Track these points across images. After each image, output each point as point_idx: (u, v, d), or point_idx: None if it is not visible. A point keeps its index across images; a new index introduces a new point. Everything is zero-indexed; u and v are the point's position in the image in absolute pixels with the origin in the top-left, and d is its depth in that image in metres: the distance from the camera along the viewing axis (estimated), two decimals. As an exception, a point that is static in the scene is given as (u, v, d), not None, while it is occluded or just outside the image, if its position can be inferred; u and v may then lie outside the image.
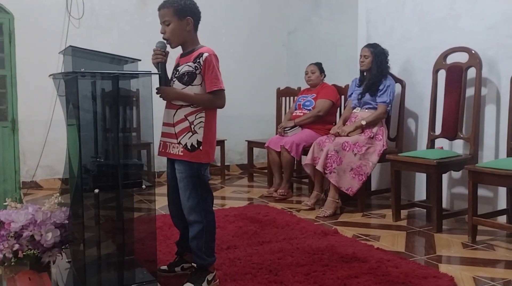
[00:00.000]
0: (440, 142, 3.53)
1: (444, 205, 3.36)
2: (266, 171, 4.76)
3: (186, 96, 2.15)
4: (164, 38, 2.18)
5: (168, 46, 2.20)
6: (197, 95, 2.14)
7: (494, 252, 2.73)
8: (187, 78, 2.15)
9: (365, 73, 3.83)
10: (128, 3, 4.94)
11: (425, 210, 3.52)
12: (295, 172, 4.66)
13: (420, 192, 3.79)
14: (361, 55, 3.79)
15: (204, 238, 2.18)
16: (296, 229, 3.08)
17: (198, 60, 2.14)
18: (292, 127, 4.21)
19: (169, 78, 2.26)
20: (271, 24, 5.64)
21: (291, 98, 4.85)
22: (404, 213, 3.52)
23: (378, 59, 3.70)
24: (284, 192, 4.10)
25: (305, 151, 4.00)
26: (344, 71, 4.57)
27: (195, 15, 2.19)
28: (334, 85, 4.31)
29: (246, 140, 5.06)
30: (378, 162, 3.68)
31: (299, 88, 4.73)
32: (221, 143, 4.94)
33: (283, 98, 4.96)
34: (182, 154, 2.15)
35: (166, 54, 2.18)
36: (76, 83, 2.10)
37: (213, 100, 2.15)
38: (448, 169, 3.24)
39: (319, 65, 4.34)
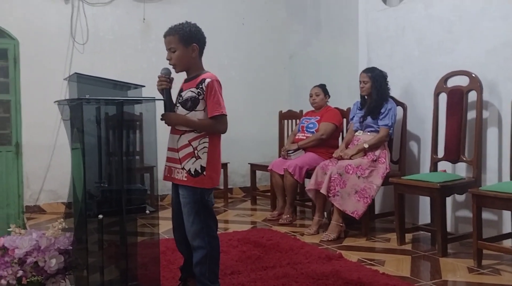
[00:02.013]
0: (443, 165, 3.53)
1: (448, 229, 3.34)
2: (269, 194, 4.74)
3: (189, 121, 2.17)
4: (170, 64, 2.21)
5: (172, 71, 2.23)
6: (199, 120, 2.17)
7: (500, 276, 2.71)
8: (190, 104, 2.18)
9: (366, 97, 3.86)
10: (132, 29, 5.01)
11: (429, 233, 3.50)
12: (299, 195, 4.65)
13: (424, 216, 3.78)
14: (360, 81, 3.82)
15: (208, 264, 2.17)
16: (300, 254, 3.07)
17: (200, 86, 2.17)
18: (295, 150, 4.21)
19: (174, 103, 2.29)
20: (272, 47, 5.71)
21: (294, 121, 4.88)
22: (408, 236, 3.50)
23: (377, 83, 3.73)
24: (289, 217, 4.09)
25: (308, 174, 4.00)
26: (346, 94, 4.61)
27: (200, 42, 2.23)
28: (336, 108, 4.34)
29: (249, 163, 5.07)
30: (381, 185, 3.67)
31: (301, 111, 4.76)
32: (224, 166, 4.94)
33: (286, 121, 4.99)
34: (185, 179, 2.16)
35: (171, 80, 2.21)
36: (81, 109, 2.13)
37: (215, 125, 2.18)
38: (452, 193, 3.24)
39: (323, 87, 4.38)
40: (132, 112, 2.60)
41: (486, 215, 3.18)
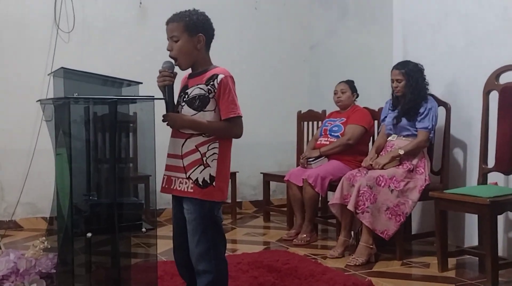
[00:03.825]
0: (494, 177, 3.51)
1: (500, 253, 3.31)
2: (285, 209, 4.75)
3: (197, 123, 2.19)
4: (170, 56, 2.24)
5: (176, 67, 2.25)
6: (210, 123, 2.19)
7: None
8: (199, 103, 2.20)
9: (399, 97, 3.86)
10: (126, 15, 5.05)
11: (477, 258, 3.47)
12: (320, 211, 4.64)
13: (471, 237, 3.76)
14: (392, 79, 3.82)
15: (214, 291, 2.19)
16: (322, 281, 3.07)
17: (211, 82, 2.19)
18: (316, 158, 4.22)
19: (176, 102, 2.31)
20: (290, 36, 5.73)
21: (315, 123, 4.89)
22: (452, 261, 3.48)
23: (412, 80, 3.73)
24: (307, 237, 4.09)
25: (332, 186, 4.00)
26: (377, 92, 4.61)
27: (208, 32, 2.26)
28: (366, 107, 4.35)
29: (261, 172, 5.08)
30: (420, 200, 3.66)
31: (324, 111, 4.77)
32: (232, 175, 4.96)
33: (305, 123, 5.00)
34: (192, 191, 2.18)
35: (174, 75, 2.24)
36: (68, 109, 2.17)
37: (229, 129, 2.20)
38: (504, 210, 3.21)
39: (350, 84, 4.39)
40: (126, 113, 2.63)
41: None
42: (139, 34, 5.07)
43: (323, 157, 4.23)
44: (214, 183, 2.18)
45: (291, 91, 5.72)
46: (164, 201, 4.78)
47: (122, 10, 5.04)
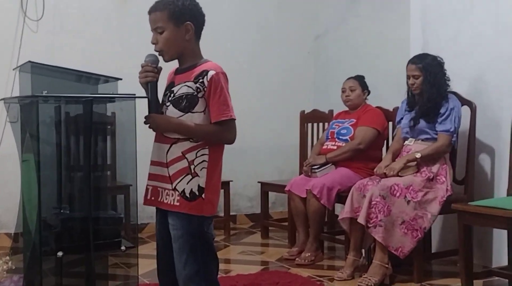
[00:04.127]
0: (526, 187, 3.52)
1: (533, 274, 3.32)
2: (286, 224, 4.74)
3: (184, 127, 2.19)
4: (156, 50, 2.24)
5: (160, 58, 2.25)
6: (199, 126, 2.19)
7: None
8: (186, 103, 2.20)
9: (416, 96, 3.87)
10: (104, 0, 5.05)
11: (506, 280, 3.48)
12: (326, 226, 4.63)
13: (500, 256, 3.76)
14: (408, 75, 3.82)
15: (205, 319, 2.19)
16: (329, 306, 3.06)
17: (201, 80, 2.19)
18: (322, 165, 4.22)
19: (160, 101, 2.31)
20: (292, 25, 5.73)
21: (320, 124, 4.89)
22: (478, 283, 3.48)
23: (430, 75, 3.73)
24: (312, 256, 4.09)
25: (340, 198, 4.00)
26: (392, 89, 4.61)
27: (197, 20, 2.25)
28: (379, 107, 4.36)
29: (258, 182, 5.08)
30: (440, 213, 3.66)
31: (331, 111, 4.77)
32: (225, 185, 4.97)
33: (309, 125, 5.00)
34: (178, 204, 2.18)
35: (158, 71, 2.23)
36: (36, 108, 2.17)
37: (221, 133, 2.20)
38: (538, 224, 3.22)
39: (360, 80, 4.39)
40: (103, 113, 2.64)
41: None
42: (119, 22, 5.06)
43: (329, 164, 4.23)
44: (203, 195, 2.18)
45: (293, 88, 5.72)
46: (147, 214, 4.77)
47: (100, -5, 5.04)
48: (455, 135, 3.73)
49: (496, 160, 3.88)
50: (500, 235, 3.75)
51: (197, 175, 2.18)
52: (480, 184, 3.90)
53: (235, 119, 2.21)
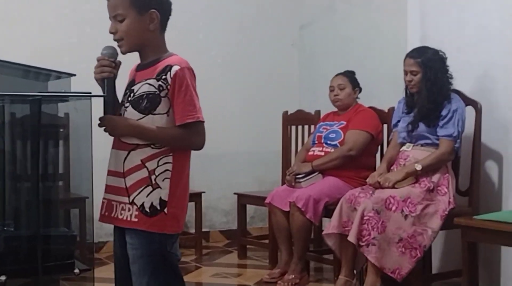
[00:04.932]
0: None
1: (546, 297, 3.37)
2: (267, 241, 4.75)
3: (144, 130, 2.19)
4: (114, 40, 2.24)
5: (118, 50, 2.25)
6: (161, 129, 2.19)
7: None
8: (147, 103, 2.20)
9: (415, 95, 3.90)
10: (55, -17, 5.03)
11: (516, 304, 3.52)
12: (313, 244, 4.65)
13: (508, 277, 3.79)
14: (406, 71, 3.85)
15: None
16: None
17: (164, 76, 2.19)
18: (308, 174, 4.23)
19: (120, 101, 2.31)
20: (273, 13, 5.75)
21: (305, 127, 4.91)
22: (484, 309, 3.53)
23: (431, 71, 3.76)
24: (296, 278, 4.10)
25: (327, 211, 4.02)
26: (387, 87, 4.65)
27: (163, 8, 2.25)
28: (372, 107, 4.39)
29: (235, 193, 5.08)
30: (442, 229, 3.69)
31: (318, 112, 4.80)
32: (196, 197, 4.96)
33: (293, 128, 5.02)
34: (136, 220, 2.18)
35: (117, 65, 2.24)
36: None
37: (186, 138, 2.20)
38: (551, 241, 3.26)
39: (350, 76, 4.42)
40: (54, 114, 2.63)
41: None
42: (73, 8, 5.03)
43: (316, 173, 4.24)
44: (165, 210, 2.17)
45: (275, 86, 5.74)
46: (105, 231, 4.75)
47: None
48: (458, 140, 3.76)
49: (504, 168, 3.91)
50: (508, 254, 3.79)
51: (159, 187, 2.18)
52: (487, 195, 3.93)
53: (203, 122, 2.22)
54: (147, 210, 2.18)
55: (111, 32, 2.25)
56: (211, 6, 5.52)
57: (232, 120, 5.51)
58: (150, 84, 2.21)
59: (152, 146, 2.19)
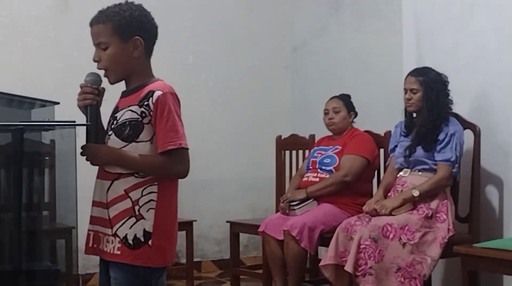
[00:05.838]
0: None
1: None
2: (260, 271, 4.72)
3: (124, 158, 2.18)
4: (98, 68, 2.23)
5: (104, 79, 2.25)
6: (143, 157, 2.18)
7: None
8: (129, 131, 2.20)
9: (414, 115, 3.90)
10: (41, 8, 5.00)
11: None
12: (309, 274, 4.62)
13: (512, 306, 3.78)
14: (406, 89, 3.86)
15: None
16: None
17: (146, 102, 2.19)
18: (302, 201, 4.22)
19: (105, 129, 2.30)
20: (266, 35, 5.77)
21: (299, 152, 4.90)
22: None
23: (432, 92, 3.77)
24: (291, 308, 4.07)
25: (322, 239, 4.00)
26: (383, 111, 4.65)
27: (148, 34, 2.26)
28: (368, 131, 4.39)
29: (227, 221, 5.05)
30: (442, 257, 3.67)
31: (312, 136, 4.80)
32: (187, 226, 4.94)
33: (287, 153, 5.01)
34: (119, 252, 2.16)
35: (100, 92, 2.23)
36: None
37: (168, 165, 2.19)
38: (556, 269, 3.25)
39: (345, 100, 4.42)
40: (38, 141, 2.61)
41: None
42: (58, 33, 5.03)
43: (311, 200, 4.23)
44: (150, 242, 2.16)
45: (268, 109, 5.74)
46: (93, 263, 4.69)
47: (35, 0, 5.01)
48: (456, 165, 3.75)
49: (505, 193, 3.91)
50: (510, 283, 3.77)
51: (143, 218, 2.17)
52: (487, 222, 3.92)
53: (186, 149, 2.20)
54: (130, 242, 2.16)
55: (94, 60, 2.25)
56: (201, 28, 5.53)
57: (224, 145, 5.49)
58: (132, 111, 2.20)
59: (135, 175, 2.18)
